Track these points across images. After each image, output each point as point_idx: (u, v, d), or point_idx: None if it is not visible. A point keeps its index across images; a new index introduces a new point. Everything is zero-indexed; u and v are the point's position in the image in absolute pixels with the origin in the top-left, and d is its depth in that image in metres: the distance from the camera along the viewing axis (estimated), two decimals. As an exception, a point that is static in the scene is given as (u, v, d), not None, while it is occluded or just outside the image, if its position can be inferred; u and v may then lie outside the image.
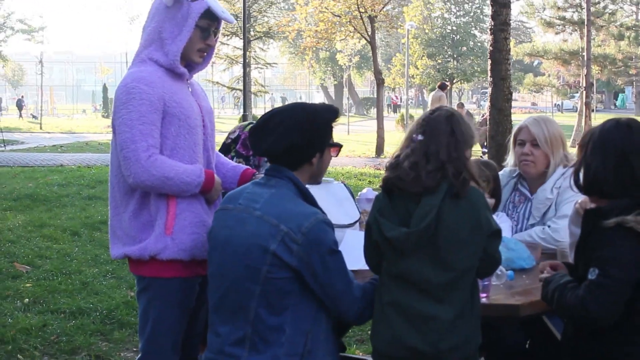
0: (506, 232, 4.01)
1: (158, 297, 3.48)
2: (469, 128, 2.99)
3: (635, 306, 2.65)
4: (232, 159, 4.44)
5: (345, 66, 48.11)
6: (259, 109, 60.31)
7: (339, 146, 3.31)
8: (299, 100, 65.68)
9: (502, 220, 4.13)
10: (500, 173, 4.40)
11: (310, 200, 3.11)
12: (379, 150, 23.65)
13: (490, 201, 4.06)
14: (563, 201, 4.10)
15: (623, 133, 2.76)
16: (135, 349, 5.66)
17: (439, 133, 2.92)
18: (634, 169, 2.69)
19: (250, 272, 2.98)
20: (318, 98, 79.28)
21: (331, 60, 60.38)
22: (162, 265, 3.42)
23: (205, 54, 3.66)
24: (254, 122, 4.40)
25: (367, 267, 3.19)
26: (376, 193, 4.04)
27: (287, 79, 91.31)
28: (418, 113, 55.91)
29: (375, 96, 26.84)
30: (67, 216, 10.78)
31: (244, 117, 24.56)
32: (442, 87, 24.37)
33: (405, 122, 30.59)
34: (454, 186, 2.85)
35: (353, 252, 3.35)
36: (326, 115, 3.19)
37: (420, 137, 2.91)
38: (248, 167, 3.97)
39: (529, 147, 4.22)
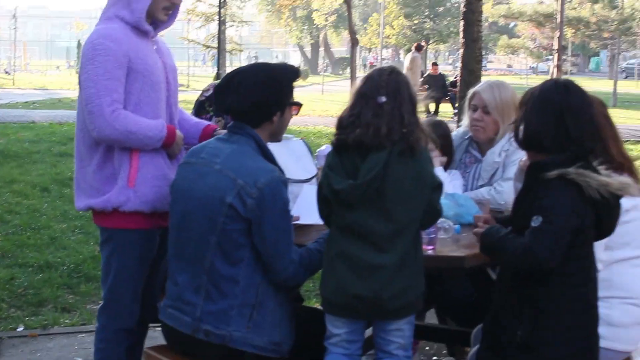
0: (457, 190, 4.15)
1: (120, 247, 3.60)
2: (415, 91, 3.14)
3: (570, 252, 2.80)
4: (210, 118, 4.55)
5: (321, 25, 48.07)
6: (235, 67, 60.05)
7: (299, 105, 3.45)
8: (274, 58, 65.13)
9: (454, 177, 4.27)
10: (453, 133, 4.53)
11: (270, 157, 3.24)
12: (352, 110, 23.67)
13: (442, 159, 4.20)
14: (509, 164, 4.22)
15: (561, 93, 2.90)
16: (100, 302, 5.76)
17: (402, 97, 3.05)
18: (568, 127, 2.83)
19: (207, 222, 3.12)
20: (294, 57, 79.02)
21: (308, 19, 60.15)
22: (125, 217, 3.54)
23: (170, 11, 3.74)
24: None
25: (320, 222, 3.33)
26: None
27: (263, 37, 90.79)
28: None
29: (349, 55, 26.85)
30: (38, 172, 10.82)
31: (218, 76, 24.51)
32: (418, 48, 24.44)
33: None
34: (407, 143, 2.99)
35: (310, 207, 3.47)
36: (286, 74, 3.33)
37: (384, 99, 3.02)
38: (210, 123, 4.08)
39: (480, 112, 4.32)
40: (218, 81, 4.65)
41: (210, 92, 4.63)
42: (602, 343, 3.00)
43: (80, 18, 75.40)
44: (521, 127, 2.95)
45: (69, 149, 12.89)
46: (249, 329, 3.12)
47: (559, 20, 21.22)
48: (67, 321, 5.43)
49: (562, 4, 21.30)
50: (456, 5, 52.84)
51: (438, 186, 3.08)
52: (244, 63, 44.40)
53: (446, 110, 22.78)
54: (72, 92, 34.31)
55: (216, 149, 3.23)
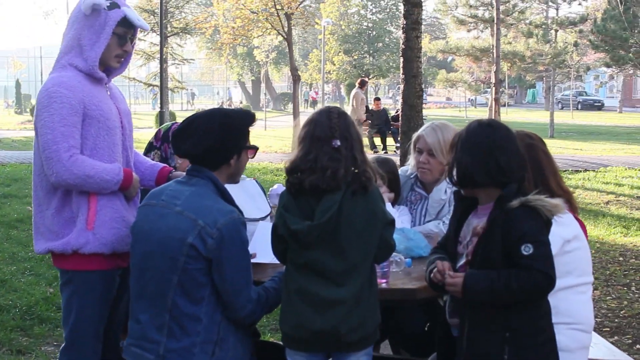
0: (406, 225, 4.33)
1: (81, 289, 3.69)
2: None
3: None
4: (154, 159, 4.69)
5: (262, 62, 48.31)
6: (176, 104, 59.95)
7: (255, 148, 3.59)
8: (215, 94, 64.79)
9: (402, 213, 4.45)
10: (399, 171, 4.72)
11: (228, 198, 3.38)
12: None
13: (390, 195, 4.38)
14: None
15: (486, 131, 3.10)
16: (55, 343, 5.81)
17: (352, 138, 3.22)
18: (498, 161, 3.03)
19: (169, 262, 3.23)
20: (235, 93, 79.13)
21: (248, 55, 60.37)
22: (84, 259, 3.63)
23: (122, 59, 3.87)
24: (176, 122, 4.69)
25: (276, 261, 3.47)
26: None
27: (204, 74, 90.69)
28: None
29: (290, 91, 27.09)
30: (-18, 215, 10.71)
31: (161, 114, 24.49)
32: (362, 84, 24.81)
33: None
34: (360, 183, 3.15)
35: (265, 245, 3.60)
36: (242, 120, 3.48)
37: (338, 143, 3.17)
38: (165, 165, 4.19)
39: (425, 156, 4.52)
40: (168, 124, 4.82)
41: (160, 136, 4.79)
42: None
43: (17, 57, 74.36)
44: (454, 168, 3.12)
45: (13, 190, 12.84)
46: None
47: (495, 54, 21.70)
48: (22, 364, 5.43)
49: (498, 40, 21.82)
50: (395, 40, 53.65)
51: (391, 222, 3.25)
52: (184, 100, 44.26)
53: (389, 144, 23.08)
54: (12, 132, 33.97)
55: (176, 192, 3.36)
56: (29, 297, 6.75)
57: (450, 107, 63.17)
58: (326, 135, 3.19)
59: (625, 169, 16.67)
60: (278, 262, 3.47)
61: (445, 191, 4.45)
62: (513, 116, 37.86)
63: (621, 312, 6.62)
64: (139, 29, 3.90)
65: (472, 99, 59.56)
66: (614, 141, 26.73)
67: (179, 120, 4.62)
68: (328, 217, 3.09)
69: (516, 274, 2.93)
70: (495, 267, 2.97)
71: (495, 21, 22.09)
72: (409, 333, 4.37)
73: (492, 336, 3.03)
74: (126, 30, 3.79)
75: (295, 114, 24.66)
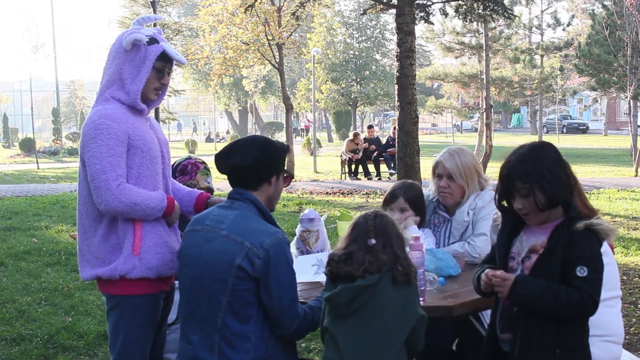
0: (431, 246, 4.49)
1: (128, 313, 3.82)
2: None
3: None
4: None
5: (251, 92, 48.55)
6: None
7: (290, 176, 3.78)
8: (203, 126, 64.81)
9: (427, 235, 4.61)
10: None
11: (271, 219, 3.55)
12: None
13: (417, 218, 4.55)
14: (479, 220, 4.59)
15: (555, 153, 3.29)
16: (81, 371, 5.92)
17: (390, 236, 3.35)
18: (569, 177, 3.27)
19: (219, 284, 3.40)
20: (222, 123, 79.36)
21: (235, 85, 60.68)
22: (131, 284, 3.78)
23: (160, 91, 4.05)
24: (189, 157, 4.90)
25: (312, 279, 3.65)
26: (316, 213, 4.50)
27: (190, 105, 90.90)
28: (323, 136, 56.66)
29: (280, 120, 27.29)
30: (-11, 248, 10.79)
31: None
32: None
33: (312, 146, 31.06)
34: (402, 275, 3.28)
35: (300, 268, 3.84)
36: (280, 145, 3.72)
37: (373, 242, 3.31)
38: (202, 191, 4.35)
39: (445, 180, 4.70)
40: (180, 159, 5.03)
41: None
42: None
43: (2, 91, 74.28)
44: (538, 195, 3.22)
45: (15, 222, 12.92)
46: None
47: (485, 80, 22.01)
48: (51, 391, 5.54)
49: (487, 65, 22.17)
50: (381, 68, 54.09)
51: (423, 317, 3.35)
52: (174, 131, 44.20)
53: (383, 170, 23.31)
54: (1, 165, 33.95)
55: (220, 216, 3.55)
56: (49, 327, 6.84)
57: (437, 133, 63.66)
58: (361, 236, 3.34)
59: (618, 191, 16.94)
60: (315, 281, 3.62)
61: (468, 213, 4.61)
62: (501, 141, 38.08)
63: (631, 328, 6.78)
64: (174, 63, 4.08)
65: (457, 125, 60.01)
66: (602, 163, 27.04)
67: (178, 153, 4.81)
68: (364, 284, 3.21)
69: (567, 291, 3.09)
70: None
71: (484, 47, 22.43)
72: (438, 351, 4.51)
73: (544, 352, 3.18)
74: (164, 64, 3.97)
75: (290, 142, 24.87)
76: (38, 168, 30.77)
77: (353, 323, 3.24)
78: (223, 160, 3.64)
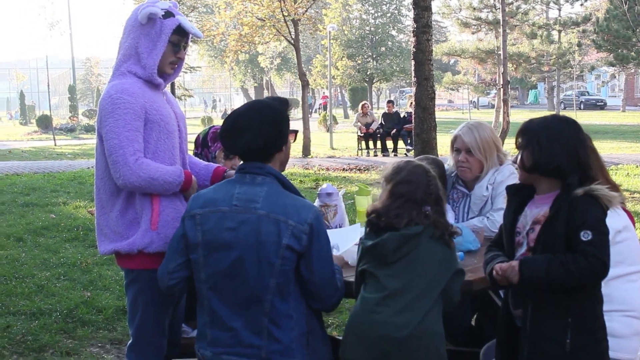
0: (450, 221, 4.46)
1: (146, 287, 3.83)
2: None
3: None
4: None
5: (266, 68, 48.50)
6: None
7: (295, 131, 3.71)
8: (218, 103, 64.80)
9: (447, 210, 4.58)
10: None
11: (292, 188, 3.48)
12: (306, 150, 24.03)
13: None
14: (497, 195, 4.55)
15: (571, 127, 3.28)
16: (100, 345, 5.97)
17: (442, 201, 3.42)
18: (579, 155, 3.21)
19: (266, 267, 3.29)
20: (238, 100, 79.37)
21: (251, 62, 60.65)
22: (149, 258, 3.78)
23: (176, 65, 4.03)
24: (213, 126, 4.86)
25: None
26: (334, 188, 4.48)
27: (205, 82, 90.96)
28: (339, 113, 56.56)
29: (295, 97, 27.23)
30: (8, 223, 10.83)
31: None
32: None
33: (328, 123, 31.02)
34: (443, 235, 3.34)
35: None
36: (282, 105, 3.57)
37: (429, 209, 3.33)
38: (219, 165, 4.34)
39: (464, 154, 4.67)
40: (206, 129, 4.97)
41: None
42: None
43: (19, 69, 74.52)
44: (532, 153, 3.26)
45: (34, 198, 12.99)
46: (309, 356, 3.37)
47: (502, 56, 21.85)
48: (71, 365, 5.60)
49: (504, 41, 21.99)
50: (397, 44, 53.87)
51: (461, 271, 3.39)
52: (189, 108, 44.17)
53: (400, 146, 23.24)
54: (19, 142, 34.15)
55: (247, 194, 3.39)
56: (67, 301, 6.89)
57: (453, 109, 63.36)
58: (421, 199, 3.34)
59: (636, 167, 16.81)
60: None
61: (487, 188, 4.58)
62: (517, 117, 37.73)
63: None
64: (190, 37, 4.06)
65: (474, 101, 59.74)
66: (620, 140, 26.89)
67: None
68: (409, 232, 3.25)
69: (573, 258, 3.05)
70: (557, 253, 3.11)
71: (501, 23, 22.26)
72: (455, 325, 4.50)
73: (555, 321, 3.16)
74: (180, 38, 3.94)
75: (305, 119, 24.84)
76: (55, 145, 30.90)
77: (396, 269, 3.27)
78: (231, 139, 3.47)
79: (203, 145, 4.95)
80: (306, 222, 3.31)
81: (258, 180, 3.43)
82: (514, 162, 3.48)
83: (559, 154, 3.20)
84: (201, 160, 4.36)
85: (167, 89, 4.21)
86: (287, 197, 3.40)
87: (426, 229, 3.29)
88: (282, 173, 3.52)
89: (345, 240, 4.03)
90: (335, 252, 3.86)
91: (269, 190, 3.39)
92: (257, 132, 3.41)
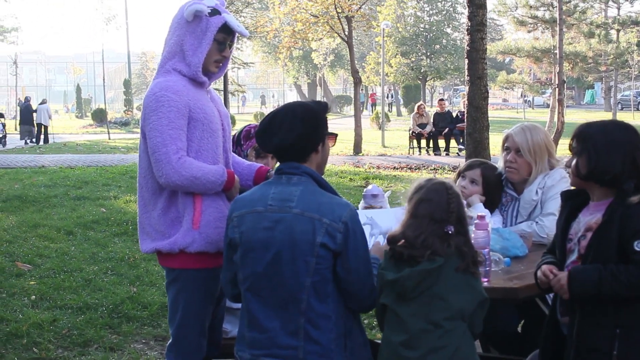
0: (497, 226, 4.36)
1: (187, 286, 3.80)
2: None
3: None
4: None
5: (320, 65, 48.50)
6: (233, 108, 60.41)
7: (334, 135, 3.63)
8: (272, 98, 65.23)
9: (494, 214, 4.49)
10: None
11: (329, 188, 3.42)
12: (357, 148, 23.97)
13: (482, 197, 4.46)
14: (547, 199, 4.43)
15: (628, 133, 3.17)
16: (144, 341, 5.99)
17: (466, 222, 3.26)
18: (636, 162, 3.10)
19: (302, 266, 3.24)
20: (291, 96, 79.54)
21: (304, 58, 60.73)
22: (191, 258, 3.75)
23: (221, 64, 3.99)
24: (249, 124, 4.82)
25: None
26: (380, 189, 4.40)
27: (259, 78, 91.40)
28: (391, 112, 56.35)
29: (348, 94, 27.19)
30: (59, 216, 10.93)
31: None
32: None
33: (381, 120, 30.91)
34: (467, 265, 3.18)
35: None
36: (319, 107, 3.51)
37: (452, 230, 3.17)
38: (262, 165, 4.29)
39: (513, 154, 4.56)
40: (241, 128, 4.94)
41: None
42: None
43: (77, 63, 75.70)
44: (580, 161, 3.16)
45: (85, 192, 13.12)
46: (347, 358, 3.30)
47: (558, 55, 21.51)
48: (116, 361, 5.62)
49: (561, 40, 21.64)
50: (452, 42, 53.49)
51: (485, 300, 3.23)
52: (240, 104, 44.50)
53: (452, 146, 23.07)
54: (74, 136, 34.68)
55: (283, 194, 3.35)
56: (114, 297, 6.93)
57: (507, 108, 62.68)
58: (442, 219, 3.20)
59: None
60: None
61: (537, 192, 4.46)
62: (573, 117, 37.37)
63: None
64: (237, 35, 4.01)
65: (529, 100, 58.99)
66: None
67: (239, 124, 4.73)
68: (430, 267, 3.12)
69: (625, 269, 2.96)
70: (609, 262, 3.00)
71: (558, 21, 21.90)
72: (501, 331, 4.40)
73: (602, 332, 3.07)
74: (225, 36, 3.90)
75: (357, 116, 24.76)
76: (109, 138, 31.32)
77: (419, 304, 3.15)
78: (265, 138, 3.45)
79: (237, 143, 4.91)
80: (340, 220, 3.25)
81: (294, 180, 3.39)
82: (567, 165, 3.37)
83: (617, 164, 3.09)
84: (244, 160, 4.32)
85: (220, 85, 4.16)
86: (322, 196, 3.34)
87: (449, 261, 3.14)
88: (328, 171, 3.46)
89: (389, 222, 3.93)
90: (369, 230, 3.83)
91: (304, 189, 3.35)
92: (289, 130, 3.37)
